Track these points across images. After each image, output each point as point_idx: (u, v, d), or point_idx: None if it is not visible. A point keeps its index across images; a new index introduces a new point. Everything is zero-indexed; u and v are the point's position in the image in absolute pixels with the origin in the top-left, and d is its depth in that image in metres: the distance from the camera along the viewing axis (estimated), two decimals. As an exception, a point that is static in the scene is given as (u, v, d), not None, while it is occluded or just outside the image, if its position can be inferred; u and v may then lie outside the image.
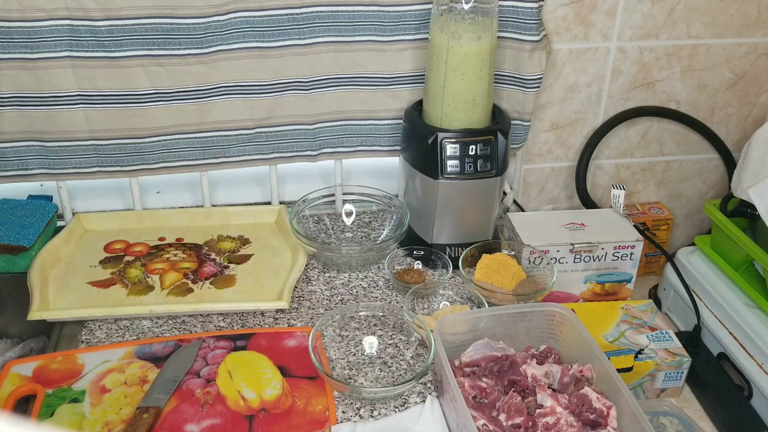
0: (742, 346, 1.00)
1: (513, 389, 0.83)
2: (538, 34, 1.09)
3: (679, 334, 1.06)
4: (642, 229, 1.13)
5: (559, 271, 1.07)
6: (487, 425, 0.77)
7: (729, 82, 1.23)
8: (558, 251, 1.06)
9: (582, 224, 1.11)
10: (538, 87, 1.13)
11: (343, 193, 1.22)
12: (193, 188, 1.24)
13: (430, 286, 1.05)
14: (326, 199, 1.20)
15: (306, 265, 1.09)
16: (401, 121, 1.14)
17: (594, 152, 1.24)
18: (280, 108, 1.13)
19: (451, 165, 1.04)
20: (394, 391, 0.87)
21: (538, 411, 0.80)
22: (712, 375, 1.01)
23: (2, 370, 0.90)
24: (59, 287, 1.04)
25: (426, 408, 0.86)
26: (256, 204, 1.24)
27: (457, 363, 0.87)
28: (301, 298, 1.05)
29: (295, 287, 1.07)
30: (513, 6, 1.07)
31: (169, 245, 1.14)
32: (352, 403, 0.88)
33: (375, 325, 0.99)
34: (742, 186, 1.04)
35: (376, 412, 0.86)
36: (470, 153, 1.04)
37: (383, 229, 1.20)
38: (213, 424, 0.83)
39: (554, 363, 0.86)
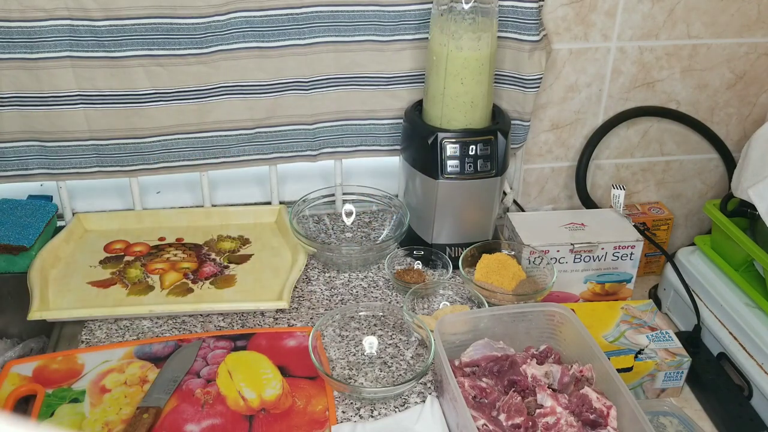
0: (742, 346, 1.00)
1: (513, 389, 0.83)
2: (538, 34, 1.09)
3: (679, 334, 1.06)
4: (642, 229, 1.13)
5: (559, 271, 1.07)
6: (487, 425, 0.77)
7: (729, 82, 1.23)
8: (558, 251, 1.06)
9: (582, 224, 1.11)
10: (538, 87, 1.13)
11: (343, 193, 1.22)
12: (193, 188, 1.24)
13: (430, 286, 1.05)
14: (326, 199, 1.20)
15: (306, 265, 1.09)
16: (401, 121, 1.14)
17: (594, 152, 1.24)
18: (280, 108, 1.13)
19: (451, 165, 1.04)
20: (394, 391, 0.87)
21: (538, 411, 0.80)
22: (712, 375, 1.01)
23: (2, 370, 0.90)
24: (59, 287, 1.04)
25: (426, 408, 0.86)
26: (256, 204, 1.24)
27: (457, 363, 0.87)
28: (301, 298, 1.05)
29: (295, 287, 1.07)
30: (513, 6, 1.07)
31: (169, 245, 1.14)
32: (352, 403, 0.88)
33: (375, 325, 0.99)
34: (742, 186, 1.04)
35: (376, 412, 0.86)
36: (470, 153, 1.04)
37: (383, 229, 1.20)
38: (213, 424, 0.83)
39: (554, 363, 0.86)
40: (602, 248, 1.07)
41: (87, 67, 1.05)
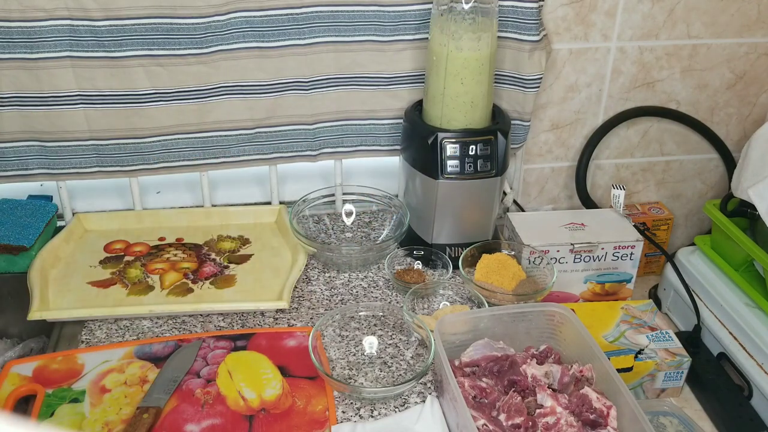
0: (742, 346, 1.00)
1: (513, 389, 0.83)
2: (538, 34, 1.09)
3: (679, 334, 1.06)
4: (642, 229, 1.13)
5: (559, 271, 1.07)
6: (487, 425, 0.77)
7: (729, 82, 1.23)
8: (558, 251, 1.06)
9: (582, 224, 1.11)
10: (538, 87, 1.13)
11: (343, 193, 1.22)
12: (193, 188, 1.24)
13: (430, 286, 1.05)
14: (326, 199, 1.20)
15: (306, 265, 1.09)
16: (401, 121, 1.14)
17: (594, 152, 1.24)
18: (280, 108, 1.13)
19: (451, 165, 1.04)
20: (394, 391, 0.87)
21: (538, 411, 0.80)
22: (712, 375, 1.01)
23: (2, 370, 0.90)
24: (59, 287, 1.04)
25: (426, 408, 0.86)
26: (256, 204, 1.24)
27: (457, 363, 0.87)
28: (301, 298, 1.05)
29: (295, 287, 1.07)
30: (513, 6, 1.07)
31: (169, 245, 1.14)
32: (352, 403, 0.88)
33: (375, 325, 0.99)
34: (742, 186, 1.04)
35: (376, 412, 0.86)
36: (470, 153, 1.04)
37: (383, 229, 1.20)
38: (213, 424, 0.83)
39: (554, 363, 0.86)
40: (602, 248, 1.07)
41: (87, 67, 1.05)
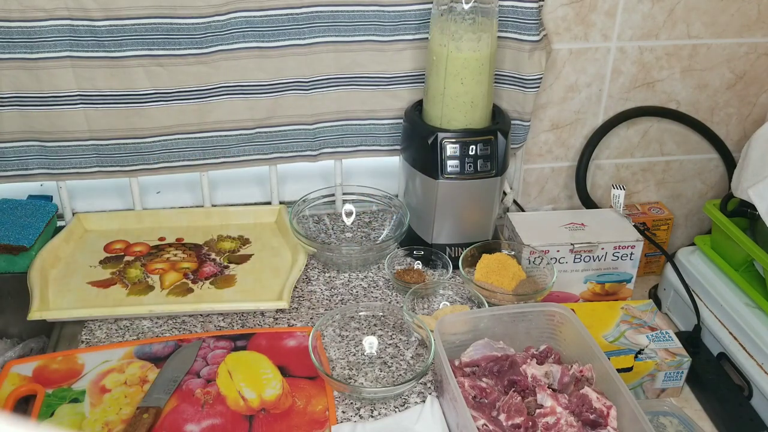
0: (742, 346, 1.00)
1: (513, 389, 0.83)
2: (538, 34, 1.09)
3: (679, 334, 1.06)
4: (642, 229, 1.13)
5: (559, 271, 1.07)
6: (487, 425, 0.77)
7: (729, 82, 1.23)
8: (558, 251, 1.06)
9: (582, 224, 1.11)
10: (538, 87, 1.13)
11: (343, 193, 1.22)
12: (193, 188, 1.24)
13: (430, 286, 1.05)
14: (326, 199, 1.20)
15: (306, 265, 1.09)
16: (401, 121, 1.14)
17: (594, 152, 1.24)
18: (280, 108, 1.13)
19: (451, 165, 1.04)
20: (394, 391, 0.87)
21: (538, 411, 0.80)
22: (712, 375, 1.01)
23: (2, 370, 0.90)
24: (59, 287, 1.04)
25: (426, 408, 0.86)
26: (256, 204, 1.24)
27: (457, 363, 0.87)
28: (301, 298, 1.05)
29: (295, 287, 1.07)
30: (513, 6, 1.07)
31: (169, 245, 1.14)
32: (352, 403, 0.88)
33: (375, 325, 0.99)
34: (742, 186, 1.04)
35: (376, 412, 0.86)
36: (470, 153, 1.04)
37: (383, 229, 1.20)
38: (213, 424, 0.83)
39: (554, 363, 0.86)
40: (602, 248, 1.07)
41: (87, 67, 1.05)
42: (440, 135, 1.04)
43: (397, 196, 1.22)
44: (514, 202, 1.26)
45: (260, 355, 0.93)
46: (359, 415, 0.86)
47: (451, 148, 1.04)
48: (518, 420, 0.78)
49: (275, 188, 1.21)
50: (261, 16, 1.05)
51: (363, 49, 1.10)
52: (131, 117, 1.10)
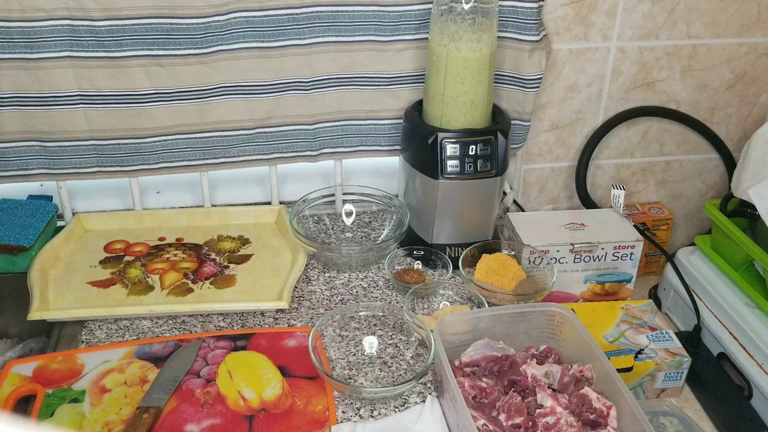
0: (742, 346, 1.00)
1: (513, 389, 0.83)
2: (538, 34, 1.09)
3: (679, 334, 1.06)
4: (642, 229, 1.13)
5: (559, 271, 1.07)
6: (487, 425, 0.77)
7: (729, 82, 1.23)
8: (558, 251, 1.06)
9: (582, 224, 1.11)
10: (538, 87, 1.13)
11: (343, 193, 1.22)
12: (193, 188, 1.24)
13: (430, 286, 1.05)
14: (326, 199, 1.20)
15: (306, 265, 1.09)
16: (401, 121, 1.14)
17: (594, 152, 1.24)
18: (280, 108, 1.13)
19: (451, 165, 1.04)
20: (394, 391, 0.87)
21: (538, 411, 0.80)
22: (712, 375, 1.01)
23: (2, 370, 0.90)
24: (59, 287, 1.04)
25: (426, 408, 0.86)
26: (256, 204, 1.24)
27: (457, 363, 0.87)
28: (301, 298, 1.05)
29: (295, 287, 1.07)
30: (513, 6, 1.07)
31: (169, 245, 1.14)
32: (352, 403, 0.88)
33: (375, 325, 0.99)
34: (742, 186, 1.04)
35: (376, 412, 0.86)
36: (470, 153, 1.04)
37: (383, 229, 1.20)
38: (213, 424, 0.83)
39: (554, 363, 0.86)
40: (602, 248, 1.07)
41: (87, 67, 1.05)
42: (440, 135, 1.04)
43: (397, 196, 1.22)
44: (514, 202, 1.26)
45: (260, 355, 0.93)
46: (359, 415, 0.86)
47: (451, 148, 1.04)
48: (518, 420, 0.78)
49: (275, 188, 1.21)
50: (261, 16, 1.05)
51: (363, 49, 1.10)
52: (131, 117, 1.10)
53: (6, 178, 1.13)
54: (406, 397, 0.89)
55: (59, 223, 1.17)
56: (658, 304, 1.18)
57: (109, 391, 0.87)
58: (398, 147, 1.18)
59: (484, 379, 0.84)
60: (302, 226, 1.14)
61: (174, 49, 1.05)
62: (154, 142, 1.12)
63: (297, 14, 1.06)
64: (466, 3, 0.98)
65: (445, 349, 0.84)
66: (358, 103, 1.15)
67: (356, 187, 1.22)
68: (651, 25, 1.16)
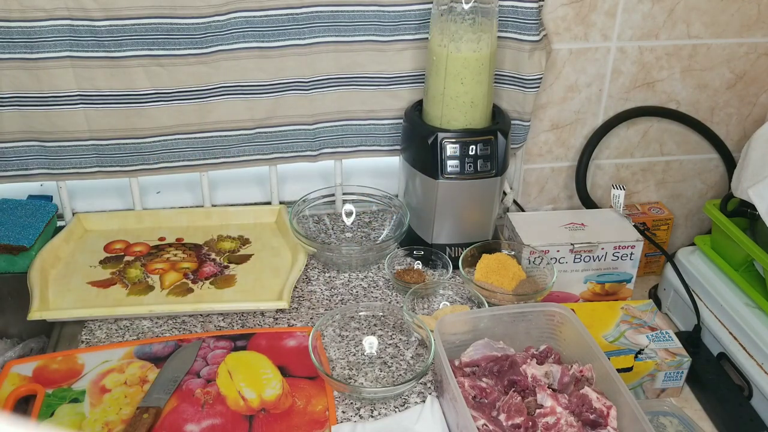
0: (742, 346, 1.00)
1: (513, 389, 0.83)
2: (538, 34, 1.09)
3: (679, 334, 1.06)
4: (642, 229, 1.13)
5: (559, 271, 1.07)
6: (487, 425, 0.77)
7: (729, 82, 1.23)
8: (558, 251, 1.06)
9: (582, 224, 1.11)
10: (538, 87, 1.13)
11: (343, 193, 1.22)
12: (193, 188, 1.24)
13: (430, 286, 1.05)
14: (326, 199, 1.21)
15: (306, 265, 1.09)
16: (401, 121, 1.14)
17: (594, 152, 1.24)
18: (280, 108, 1.13)
19: (451, 165, 1.04)
20: (394, 391, 0.87)
21: (538, 411, 0.80)
22: (712, 375, 1.01)
23: (2, 370, 0.90)
24: (59, 287, 1.04)
25: (426, 408, 0.86)
26: (256, 204, 1.24)
27: (457, 363, 0.87)
28: (301, 298, 1.05)
29: (295, 287, 1.07)
30: (513, 6, 1.07)
31: (169, 245, 1.14)
32: (352, 403, 0.88)
33: (375, 325, 0.99)
34: (742, 186, 1.04)
35: (376, 412, 0.86)
36: (470, 153, 1.04)
37: (383, 229, 1.20)
38: (213, 424, 0.83)
39: (554, 363, 0.86)
40: (602, 248, 1.07)
41: (87, 67, 1.05)
42: (440, 135, 1.04)
43: (397, 196, 1.22)
44: (514, 202, 1.26)
45: (260, 355, 0.93)
46: (359, 415, 0.86)
47: (451, 148, 1.04)
48: (518, 420, 0.78)
49: (275, 188, 1.21)
50: (261, 16, 1.05)
51: (363, 49, 1.10)
52: (131, 117, 1.10)
53: (6, 178, 1.13)
54: (406, 397, 0.89)
55: (59, 223, 1.17)
56: (658, 304, 1.18)
57: (109, 391, 0.87)
58: (398, 147, 1.18)
59: (484, 379, 0.84)
60: (302, 226, 1.14)
61: (174, 49, 1.05)
62: (154, 142, 1.12)
63: (297, 14, 1.06)
64: (466, 3, 0.98)
65: (445, 349, 0.84)
66: (358, 103, 1.15)
67: (356, 187, 1.22)
68: (651, 25, 1.16)
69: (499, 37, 1.08)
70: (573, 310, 0.89)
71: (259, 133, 1.15)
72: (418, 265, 1.12)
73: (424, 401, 0.88)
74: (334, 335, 0.97)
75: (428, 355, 0.89)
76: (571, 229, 1.10)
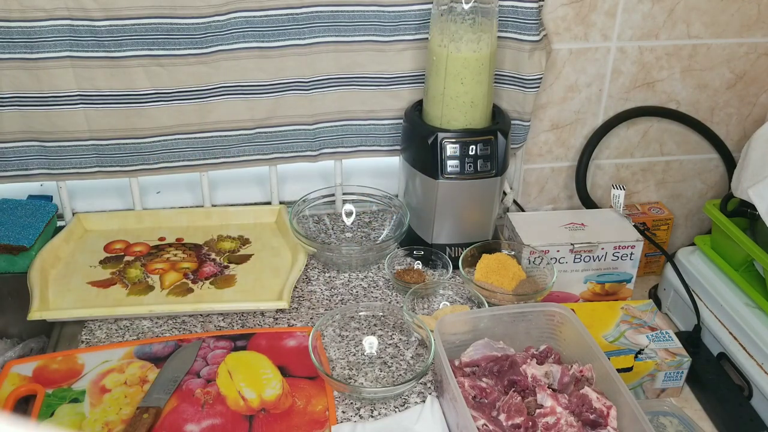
0: (742, 346, 1.00)
1: (513, 389, 0.83)
2: (538, 34, 1.09)
3: (679, 334, 1.06)
4: (642, 229, 1.13)
5: (559, 271, 1.07)
6: (487, 425, 0.77)
7: (729, 82, 1.23)
8: (558, 251, 1.06)
9: (582, 224, 1.11)
10: (538, 87, 1.13)
11: (343, 193, 1.22)
12: (193, 188, 1.24)
13: (430, 286, 1.05)
14: (326, 199, 1.21)
15: (306, 265, 1.09)
16: (401, 121, 1.14)
17: (594, 152, 1.24)
18: (280, 108, 1.13)
19: (451, 165, 1.04)
20: (394, 391, 0.87)
21: (538, 411, 0.80)
22: (712, 375, 1.01)
23: (2, 370, 0.90)
24: (59, 287, 1.04)
25: (426, 408, 0.86)
26: (256, 204, 1.24)
27: (457, 363, 0.87)
28: (301, 298, 1.05)
29: (295, 287, 1.07)
30: (513, 6, 1.07)
31: (169, 245, 1.14)
32: (352, 403, 0.88)
33: (375, 325, 0.99)
34: (742, 186, 1.04)
35: (376, 412, 0.86)
36: (470, 153, 1.04)
37: (383, 229, 1.20)
38: (213, 424, 0.83)
39: (554, 363, 0.86)
40: (602, 248, 1.07)
41: (87, 67, 1.05)
42: (440, 135, 1.04)
43: (397, 196, 1.22)
44: (514, 202, 1.26)
45: (260, 355, 0.93)
46: (359, 415, 0.86)
47: (451, 148, 1.04)
48: (518, 420, 0.78)
49: (275, 188, 1.21)
50: (261, 16, 1.05)
51: (363, 49, 1.10)
52: (131, 117, 1.10)
53: (6, 178, 1.13)
54: (406, 397, 0.89)
55: (59, 223, 1.17)
56: (658, 304, 1.18)
57: (109, 391, 0.87)
58: (398, 147, 1.18)
59: (484, 379, 0.84)
60: (302, 226, 1.14)
61: (174, 49, 1.05)
62: (154, 142, 1.12)
63: (297, 14, 1.06)
64: (466, 3, 0.98)
65: (445, 349, 0.84)
66: (358, 103, 1.15)
67: (356, 187, 1.22)
68: (651, 25, 1.16)
69: (499, 37, 1.08)
70: (573, 310, 0.89)
71: (259, 133, 1.15)
72: (418, 265, 1.12)
73: (424, 401, 0.88)
74: (334, 335, 0.97)
75: (428, 355, 0.89)
76: (571, 229, 1.10)
